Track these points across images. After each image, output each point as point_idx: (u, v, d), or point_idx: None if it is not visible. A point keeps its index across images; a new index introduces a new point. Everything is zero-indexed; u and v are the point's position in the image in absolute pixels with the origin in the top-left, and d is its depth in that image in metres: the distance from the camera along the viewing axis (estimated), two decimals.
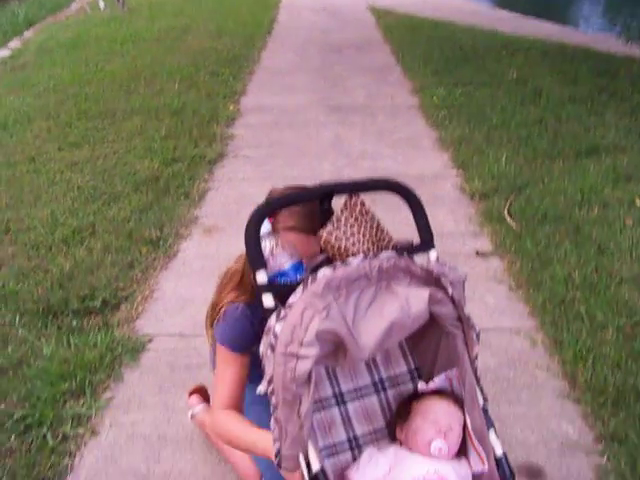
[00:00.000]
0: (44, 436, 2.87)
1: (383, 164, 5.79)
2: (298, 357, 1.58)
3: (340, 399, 1.99)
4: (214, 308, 2.33)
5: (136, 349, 3.43)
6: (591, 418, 2.97)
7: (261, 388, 1.66)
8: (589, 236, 4.43)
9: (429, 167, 5.81)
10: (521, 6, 14.77)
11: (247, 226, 1.75)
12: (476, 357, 1.88)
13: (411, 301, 1.72)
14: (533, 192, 5.12)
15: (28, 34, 11.99)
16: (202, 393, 2.96)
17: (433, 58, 9.35)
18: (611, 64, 8.97)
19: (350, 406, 1.99)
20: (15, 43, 11.20)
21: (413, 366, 2.07)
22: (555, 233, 4.48)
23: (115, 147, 6.23)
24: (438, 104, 7.45)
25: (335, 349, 1.69)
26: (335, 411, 1.97)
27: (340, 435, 1.97)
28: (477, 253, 4.36)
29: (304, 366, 1.57)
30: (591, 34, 12.37)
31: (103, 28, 11.79)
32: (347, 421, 1.98)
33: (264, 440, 1.91)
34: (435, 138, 6.55)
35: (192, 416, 2.88)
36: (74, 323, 3.61)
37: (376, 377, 2.04)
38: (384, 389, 2.04)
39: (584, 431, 2.91)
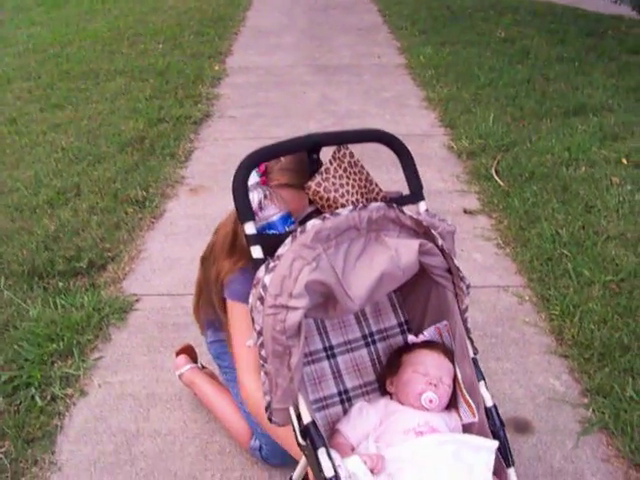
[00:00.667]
0: (32, 397, 2.86)
1: (370, 123, 5.74)
2: (288, 308, 1.54)
3: (330, 352, 1.99)
4: (216, 279, 2.27)
5: (123, 309, 3.42)
6: (577, 372, 3.00)
7: (250, 341, 1.65)
8: (576, 194, 4.44)
9: (417, 126, 5.78)
10: None
11: (235, 177, 1.71)
12: (466, 309, 1.88)
13: (401, 252, 1.71)
14: (520, 151, 5.12)
15: None
16: (189, 353, 2.95)
17: (420, 17, 9.28)
18: (599, 24, 8.93)
19: (340, 359, 1.99)
20: None
21: (403, 319, 2.07)
22: (542, 191, 4.49)
23: (99, 108, 6.16)
24: (425, 63, 7.40)
25: (325, 301, 1.67)
26: (325, 364, 1.97)
27: (330, 388, 1.96)
28: (465, 211, 4.36)
29: (294, 317, 1.54)
30: None
31: None
32: (337, 374, 1.98)
33: None
34: (422, 97, 6.52)
35: (179, 376, 2.88)
36: (60, 284, 3.58)
37: (366, 330, 2.04)
38: (374, 342, 2.04)
39: (570, 385, 2.94)
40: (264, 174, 2.03)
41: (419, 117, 6.02)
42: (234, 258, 2.20)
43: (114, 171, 4.84)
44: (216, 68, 7.38)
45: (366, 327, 2.04)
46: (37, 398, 2.84)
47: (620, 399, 2.79)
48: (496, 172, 4.78)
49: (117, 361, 3.10)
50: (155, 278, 3.69)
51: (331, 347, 1.99)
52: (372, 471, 1.66)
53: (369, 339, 2.03)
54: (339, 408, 1.96)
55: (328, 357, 1.98)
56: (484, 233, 4.10)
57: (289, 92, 6.66)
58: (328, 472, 1.57)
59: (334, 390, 1.97)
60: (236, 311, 2.20)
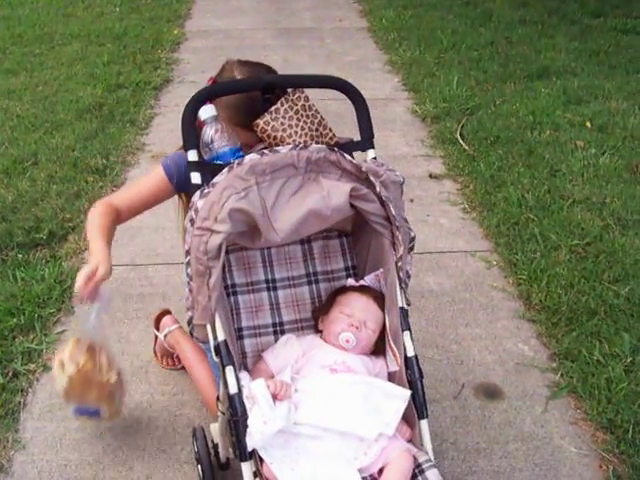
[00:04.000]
0: None
1: None
2: (212, 232, 1.67)
3: (272, 285, 2.05)
4: None
5: None
6: (545, 337, 3.01)
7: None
8: (541, 158, 4.45)
9: (380, 90, 5.72)
10: None
11: (185, 108, 1.81)
12: (400, 258, 1.88)
13: (332, 193, 1.77)
14: (485, 114, 5.11)
15: None
16: (171, 314, 2.88)
17: None
18: None
19: (281, 293, 2.05)
20: None
21: (350, 263, 2.11)
22: (508, 155, 4.48)
23: (55, 73, 5.99)
24: (388, 27, 7.34)
25: (252, 230, 1.76)
26: (264, 295, 2.03)
27: (266, 319, 2.03)
28: (430, 176, 4.34)
29: (215, 240, 1.66)
30: None
31: None
32: (275, 306, 2.04)
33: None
34: (385, 61, 6.47)
35: (165, 336, 2.79)
36: (20, 256, 3.49)
37: (310, 269, 2.09)
38: (317, 281, 2.09)
39: (539, 350, 2.96)
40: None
41: (382, 81, 5.97)
42: None
43: (73, 139, 4.72)
44: (175, 32, 7.23)
45: (311, 266, 2.09)
46: None
47: (588, 363, 2.82)
48: (461, 136, 4.76)
49: None
50: (118, 248, 3.56)
51: (273, 280, 2.05)
52: (276, 397, 1.72)
53: (312, 278, 2.09)
54: (271, 338, 2.03)
55: (269, 289, 2.04)
56: (450, 198, 4.09)
57: (250, 56, 6.27)
58: (232, 389, 1.70)
59: (269, 321, 2.04)
60: (153, 170, 2.33)
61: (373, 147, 1.95)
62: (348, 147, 1.90)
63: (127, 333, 3.03)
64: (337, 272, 2.10)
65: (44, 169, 4.32)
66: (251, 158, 1.73)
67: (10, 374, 2.78)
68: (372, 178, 1.80)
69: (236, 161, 1.74)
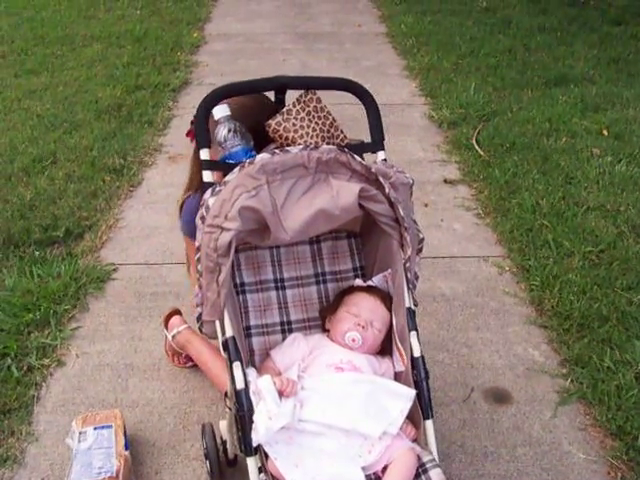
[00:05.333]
0: (8, 367, 2.82)
1: None
2: (222, 229, 1.70)
3: (280, 284, 2.07)
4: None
5: (101, 278, 3.38)
6: (556, 343, 3.01)
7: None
8: (557, 165, 4.44)
9: (397, 95, 5.73)
10: None
11: (198, 107, 1.83)
12: (408, 259, 1.89)
13: (341, 193, 1.78)
14: (501, 121, 5.11)
15: None
16: (180, 315, 2.90)
17: None
18: None
19: (289, 292, 2.08)
20: None
21: (359, 264, 2.14)
22: (523, 161, 4.48)
23: (75, 74, 6.05)
24: (406, 32, 7.36)
25: (262, 228, 1.78)
26: (272, 294, 2.06)
27: (274, 317, 2.06)
28: (445, 181, 4.35)
29: (225, 237, 1.69)
30: None
31: None
32: (283, 305, 2.07)
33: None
34: (403, 66, 6.49)
35: (174, 337, 2.81)
36: (37, 253, 3.53)
37: (319, 269, 2.11)
38: (325, 281, 2.11)
39: (549, 355, 2.95)
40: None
41: (400, 86, 5.98)
42: (189, 187, 2.55)
43: (91, 139, 4.77)
44: (195, 35, 7.28)
45: (320, 266, 2.11)
46: (13, 368, 2.80)
47: (598, 369, 2.81)
48: (477, 142, 4.77)
49: (95, 331, 3.07)
50: (133, 247, 3.65)
51: (282, 279, 2.08)
52: (282, 393, 1.74)
53: (320, 278, 2.11)
54: (279, 337, 2.05)
55: (277, 288, 2.07)
56: (464, 203, 4.10)
57: (269, 60, 6.59)
58: (239, 384, 1.72)
59: (277, 319, 2.06)
60: (189, 246, 2.50)
61: (383, 149, 1.97)
62: (358, 148, 1.92)
63: (140, 331, 3.06)
64: (345, 272, 2.12)
65: (62, 168, 4.38)
66: (262, 157, 1.75)
67: (25, 368, 2.82)
68: (381, 179, 1.81)
69: (247, 160, 1.76)
